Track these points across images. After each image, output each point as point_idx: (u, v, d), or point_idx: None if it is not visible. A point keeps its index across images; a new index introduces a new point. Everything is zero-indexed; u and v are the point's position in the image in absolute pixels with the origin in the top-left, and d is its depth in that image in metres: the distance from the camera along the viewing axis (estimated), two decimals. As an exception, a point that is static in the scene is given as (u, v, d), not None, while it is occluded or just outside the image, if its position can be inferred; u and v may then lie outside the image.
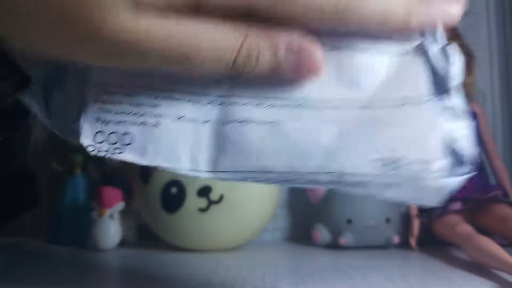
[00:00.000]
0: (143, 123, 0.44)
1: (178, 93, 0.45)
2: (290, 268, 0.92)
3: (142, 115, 0.44)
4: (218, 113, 0.45)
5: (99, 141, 0.43)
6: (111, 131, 0.44)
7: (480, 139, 1.18)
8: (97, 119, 0.44)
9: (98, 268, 0.93)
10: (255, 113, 0.44)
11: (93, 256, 1.01)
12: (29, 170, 1.12)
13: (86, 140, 0.44)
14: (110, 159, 1.17)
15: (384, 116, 0.44)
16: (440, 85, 0.45)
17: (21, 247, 1.11)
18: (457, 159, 0.44)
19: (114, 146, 0.43)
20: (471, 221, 1.01)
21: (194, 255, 1.00)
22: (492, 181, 1.16)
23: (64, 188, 1.18)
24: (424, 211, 1.11)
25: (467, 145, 0.44)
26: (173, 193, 1.02)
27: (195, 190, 1.01)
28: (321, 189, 1.17)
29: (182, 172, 0.44)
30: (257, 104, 0.44)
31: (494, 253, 0.80)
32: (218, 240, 1.05)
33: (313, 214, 1.18)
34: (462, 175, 0.44)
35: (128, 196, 1.12)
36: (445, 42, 0.47)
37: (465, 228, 0.95)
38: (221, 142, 0.44)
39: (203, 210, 1.01)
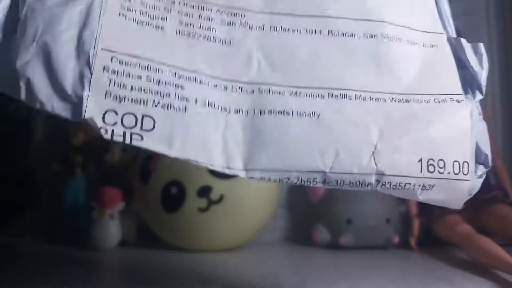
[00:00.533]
0: (169, 106, 0.35)
1: (202, 74, 0.37)
2: (290, 268, 0.92)
3: (167, 95, 0.35)
4: (251, 102, 0.38)
5: (111, 123, 0.33)
6: (126, 111, 0.33)
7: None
8: (107, 93, 0.33)
9: (98, 268, 0.93)
10: (293, 104, 0.39)
11: (93, 256, 1.01)
12: (30, 170, 1.12)
13: (95, 118, 0.32)
14: (111, 157, 1.18)
15: (423, 112, 0.42)
16: (472, 83, 0.44)
17: (21, 247, 1.10)
18: (479, 160, 0.44)
19: (132, 130, 0.33)
20: (471, 221, 1.00)
21: (194, 255, 1.00)
22: (492, 181, 1.16)
23: (64, 188, 1.18)
24: (424, 211, 1.11)
25: (487, 146, 0.44)
26: (173, 193, 1.02)
27: (195, 190, 1.01)
28: (321, 189, 1.17)
29: (216, 169, 0.37)
30: (294, 93, 0.39)
31: (494, 253, 0.80)
32: (218, 240, 1.05)
33: (313, 214, 1.18)
34: (480, 176, 0.44)
35: (128, 196, 1.12)
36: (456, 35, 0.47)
37: (465, 228, 0.95)
38: (257, 136, 0.37)
39: (203, 210, 1.01)
